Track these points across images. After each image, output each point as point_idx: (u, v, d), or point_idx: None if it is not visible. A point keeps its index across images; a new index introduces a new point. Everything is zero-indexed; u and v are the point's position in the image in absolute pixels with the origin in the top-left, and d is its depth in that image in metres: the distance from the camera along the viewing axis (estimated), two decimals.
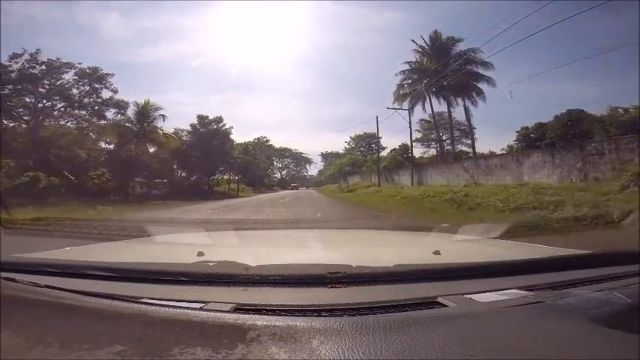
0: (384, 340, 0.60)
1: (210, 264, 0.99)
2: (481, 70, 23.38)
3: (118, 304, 0.75)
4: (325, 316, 0.72)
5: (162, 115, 24.47)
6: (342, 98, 61.74)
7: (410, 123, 25.49)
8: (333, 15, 47.64)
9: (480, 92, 23.85)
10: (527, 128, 21.35)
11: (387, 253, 1.62)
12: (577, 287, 0.86)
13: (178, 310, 0.72)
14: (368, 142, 41.14)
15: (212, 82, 55.34)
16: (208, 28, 50.03)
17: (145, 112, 23.47)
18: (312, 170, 60.02)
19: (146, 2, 40.92)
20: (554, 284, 0.88)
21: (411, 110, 25.57)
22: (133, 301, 0.76)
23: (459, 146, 29.29)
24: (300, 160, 57.79)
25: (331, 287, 0.87)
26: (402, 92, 26.39)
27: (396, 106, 25.79)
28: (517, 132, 22.22)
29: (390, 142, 42.70)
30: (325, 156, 53.70)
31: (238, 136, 39.91)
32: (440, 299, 0.78)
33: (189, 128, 28.47)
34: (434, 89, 24.74)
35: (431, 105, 26.36)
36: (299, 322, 0.67)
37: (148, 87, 48.44)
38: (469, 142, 28.74)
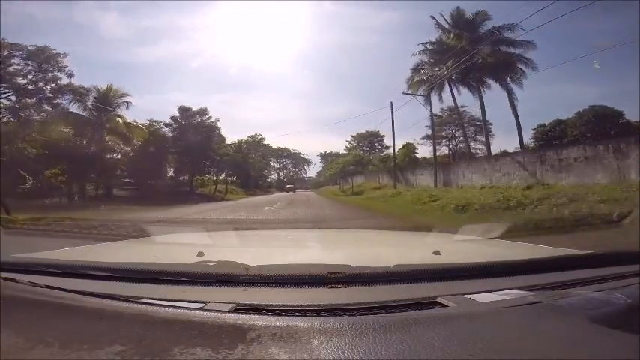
0: (384, 340, 0.60)
1: (210, 264, 0.99)
2: (516, 51, 19.16)
3: (118, 304, 0.75)
4: (325, 316, 0.72)
5: (127, 102, 21.17)
6: (341, 98, 61.60)
7: (431, 110, 21.77)
8: (333, 15, 47.55)
9: (517, 77, 19.36)
10: (544, 126, 19.57)
11: (387, 253, 1.62)
12: (577, 287, 0.86)
13: (178, 310, 0.72)
14: (371, 141, 38.84)
15: (212, 81, 55.15)
16: (208, 28, 49.89)
17: (106, 99, 20.24)
18: (311, 172, 59.54)
19: (146, 2, 40.79)
20: (554, 284, 0.88)
21: (429, 97, 21.77)
22: (133, 301, 0.76)
23: (473, 144, 25.97)
24: (298, 160, 56.39)
25: (331, 287, 0.87)
26: (416, 79, 22.06)
27: (392, 113, 22.33)
28: (533, 130, 20.32)
29: (391, 141, 40.82)
30: (324, 156, 52.25)
31: (237, 136, 38.22)
32: (440, 299, 0.78)
33: (168, 120, 25.08)
34: (457, 74, 20.32)
35: (452, 92, 21.76)
36: (299, 322, 0.67)
37: (147, 87, 48.36)
38: (482, 139, 24.85)
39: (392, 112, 22.64)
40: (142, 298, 0.79)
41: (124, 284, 0.90)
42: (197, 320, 0.67)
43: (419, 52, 22.07)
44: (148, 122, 23.94)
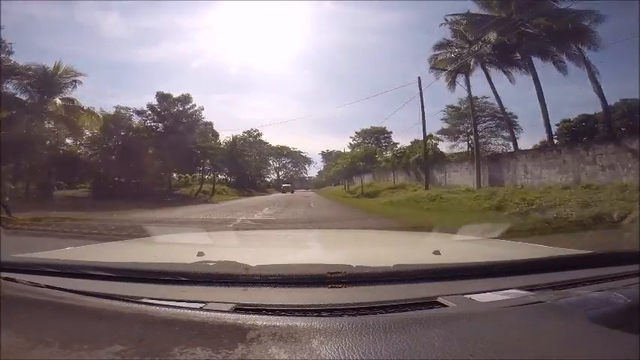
0: (384, 340, 0.60)
1: (210, 264, 1.00)
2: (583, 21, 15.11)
3: (118, 304, 0.75)
4: (325, 316, 0.72)
5: (75, 81, 17.81)
6: (342, 98, 61.60)
7: (469, 89, 17.72)
8: (333, 15, 47.60)
9: (573, 52, 15.41)
10: (569, 121, 18.36)
11: (387, 253, 1.62)
12: (577, 287, 0.86)
13: (178, 310, 0.72)
14: (376, 138, 36.31)
15: (212, 82, 55.15)
16: (208, 28, 50.29)
17: (53, 80, 17.25)
18: (312, 172, 58.90)
19: (146, 2, 40.79)
20: (554, 284, 0.88)
21: (455, 78, 18.06)
22: (133, 301, 0.76)
23: (494, 139, 23.04)
24: (298, 159, 54.99)
25: (331, 287, 0.87)
26: (441, 57, 18.43)
27: (432, 77, 18.55)
28: (557, 125, 18.77)
29: (398, 139, 35.57)
30: (326, 155, 51.04)
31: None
32: (440, 299, 0.78)
33: (141, 108, 21.95)
34: (495, 52, 16.26)
35: (486, 74, 17.27)
36: (299, 322, 0.67)
37: (147, 87, 48.33)
38: (506, 134, 21.76)
39: (420, 90, 18.27)
40: (142, 298, 0.79)
41: (124, 284, 0.90)
42: (197, 320, 0.67)
43: (444, 23, 18.23)
44: (115, 109, 20.90)
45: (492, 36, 15.78)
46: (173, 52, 45.29)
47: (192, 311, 0.72)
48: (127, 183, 20.60)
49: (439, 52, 18.58)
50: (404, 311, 0.74)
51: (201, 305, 0.75)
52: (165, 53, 45.53)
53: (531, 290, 0.84)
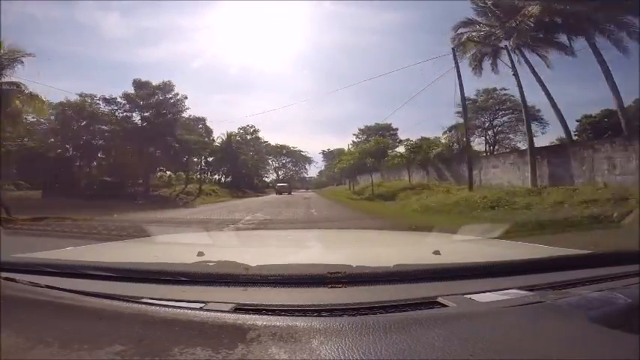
0: (384, 340, 0.60)
1: (210, 264, 1.00)
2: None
3: (118, 304, 0.75)
4: (325, 316, 0.72)
5: (15, 60, 14.75)
6: (342, 99, 61.51)
7: (514, 67, 14.09)
8: (333, 15, 47.50)
9: None
10: (591, 116, 16.99)
11: (387, 253, 1.62)
12: (577, 287, 0.86)
13: (178, 310, 0.72)
14: (381, 135, 32.23)
15: (212, 82, 54.66)
16: (208, 28, 49.88)
17: None
18: (312, 172, 58.58)
19: (146, 2, 40.60)
20: (554, 284, 0.88)
21: (482, 56, 15.08)
22: (133, 301, 0.76)
23: (512, 135, 20.46)
24: (298, 158, 53.91)
25: (331, 287, 0.87)
26: (467, 36, 15.49)
27: (456, 61, 14.78)
28: (577, 121, 17.49)
29: (402, 137, 31.85)
30: (327, 155, 50.01)
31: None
32: (440, 299, 0.78)
33: (111, 95, 19.09)
34: (531, 31, 13.14)
35: (524, 57, 14.16)
36: (299, 322, 0.67)
37: None
38: (524, 129, 18.19)
39: (455, 61, 14.56)
40: (142, 298, 0.79)
41: (124, 284, 0.90)
42: (197, 320, 0.67)
43: None
44: (79, 96, 18.31)
45: (535, 9, 12.62)
46: (173, 52, 44.89)
47: (192, 311, 0.72)
48: (90, 181, 18.14)
49: (464, 30, 15.63)
50: (404, 311, 0.74)
51: (201, 305, 0.75)
52: (166, 53, 45.23)
53: (531, 290, 0.84)
